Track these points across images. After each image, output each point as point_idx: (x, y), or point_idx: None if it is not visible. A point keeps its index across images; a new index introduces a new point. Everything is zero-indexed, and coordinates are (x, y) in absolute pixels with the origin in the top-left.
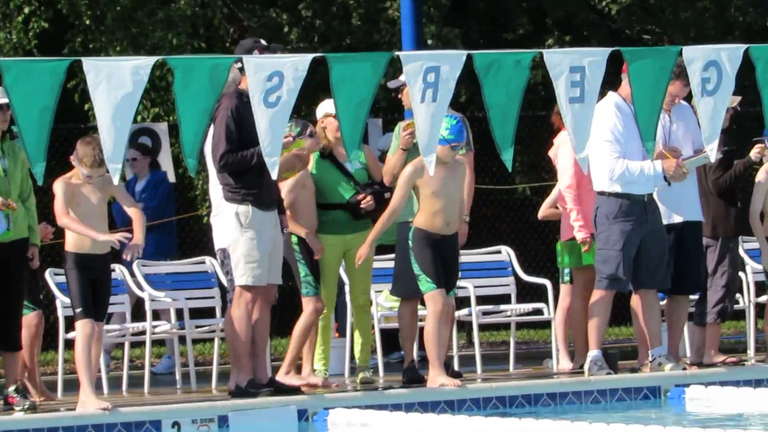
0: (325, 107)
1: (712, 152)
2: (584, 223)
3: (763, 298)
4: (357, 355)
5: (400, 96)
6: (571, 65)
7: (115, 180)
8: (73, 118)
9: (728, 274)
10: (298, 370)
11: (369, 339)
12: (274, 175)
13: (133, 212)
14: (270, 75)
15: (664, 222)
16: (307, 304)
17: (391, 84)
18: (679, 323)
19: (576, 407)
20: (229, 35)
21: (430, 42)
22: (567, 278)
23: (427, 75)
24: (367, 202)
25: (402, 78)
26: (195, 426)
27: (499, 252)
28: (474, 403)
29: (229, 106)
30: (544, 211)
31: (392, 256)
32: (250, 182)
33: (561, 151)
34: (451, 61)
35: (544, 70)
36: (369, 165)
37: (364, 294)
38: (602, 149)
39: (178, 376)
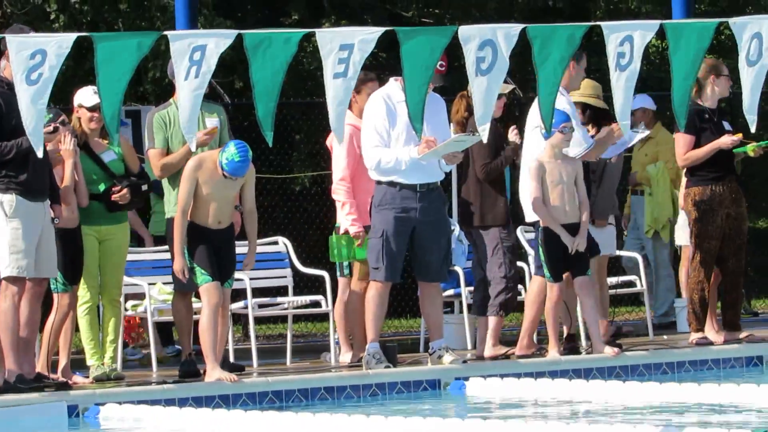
0: (79, 98)
1: (485, 133)
2: (357, 217)
3: None
4: (106, 352)
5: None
6: (341, 43)
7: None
8: None
9: (506, 265)
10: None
11: (118, 335)
12: (39, 153)
13: None
14: (33, 53)
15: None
16: (58, 301)
17: None
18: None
19: (354, 401)
20: None
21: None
22: (347, 271)
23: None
24: (122, 195)
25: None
26: None
27: (275, 243)
28: (250, 397)
29: None
30: None
31: (165, 247)
32: (15, 171)
33: (334, 142)
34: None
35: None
36: (125, 155)
37: (117, 288)
38: (365, 139)
39: None
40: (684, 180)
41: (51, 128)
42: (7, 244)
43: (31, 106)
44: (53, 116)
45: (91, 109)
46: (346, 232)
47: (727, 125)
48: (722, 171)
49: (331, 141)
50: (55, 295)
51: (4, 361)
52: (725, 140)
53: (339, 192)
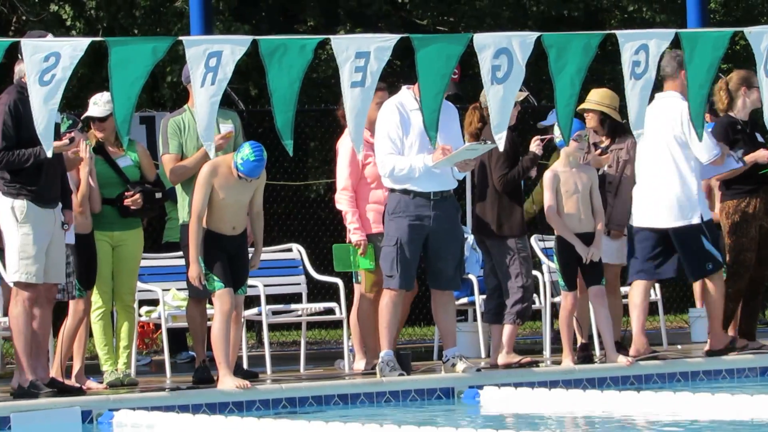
0: (89, 111)
1: (501, 141)
2: (359, 226)
3: (558, 298)
4: (120, 358)
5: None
6: (357, 50)
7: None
8: None
9: (523, 274)
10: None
11: (132, 341)
12: (48, 153)
13: None
14: (47, 56)
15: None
16: (72, 306)
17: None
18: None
19: (368, 408)
20: (11, 25)
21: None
22: (360, 278)
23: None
24: (134, 200)
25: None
26: None
27: (290, 250)
28: (263, 404)
29: (7, 101)
30: None
31: (180, 253)
32: (27, 178)
33: (340, 150)
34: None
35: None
36: (142, 163)
37: (130, 293)
38: (378, 147)
39: None
40: (718, 193)
41: (67, 140)
42: (17, 249)
43: (43, 107)
44: (72, 124)
45: (94, 119)
46: (350, 241)
47: (759, 137)
48: (756, 183)
49: (339, 145)
50: (69, 300)
51: (18, 366)
52: (762, 154)
53: (342, 201)
